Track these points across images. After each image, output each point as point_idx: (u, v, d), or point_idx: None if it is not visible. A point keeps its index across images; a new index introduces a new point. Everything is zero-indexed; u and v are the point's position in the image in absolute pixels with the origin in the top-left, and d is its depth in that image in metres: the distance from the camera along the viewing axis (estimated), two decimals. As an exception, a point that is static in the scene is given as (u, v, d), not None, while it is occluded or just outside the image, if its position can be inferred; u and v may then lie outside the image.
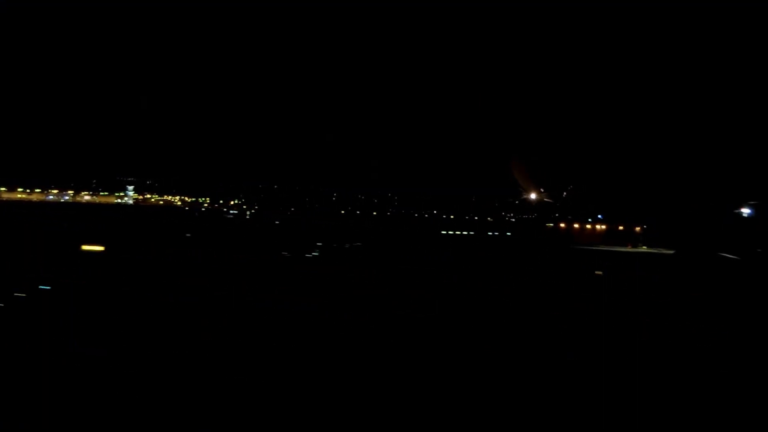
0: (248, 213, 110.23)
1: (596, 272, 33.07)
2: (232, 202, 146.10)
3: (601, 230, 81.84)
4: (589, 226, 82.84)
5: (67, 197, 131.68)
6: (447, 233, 71.09)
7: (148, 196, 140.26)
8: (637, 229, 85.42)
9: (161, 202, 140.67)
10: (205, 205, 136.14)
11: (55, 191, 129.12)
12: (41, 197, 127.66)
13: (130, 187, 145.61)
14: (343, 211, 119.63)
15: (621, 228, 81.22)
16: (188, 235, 49.13)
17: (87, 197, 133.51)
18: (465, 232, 74.39)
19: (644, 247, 68.65)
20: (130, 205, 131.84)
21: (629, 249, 65.66)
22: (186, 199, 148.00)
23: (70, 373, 9.38)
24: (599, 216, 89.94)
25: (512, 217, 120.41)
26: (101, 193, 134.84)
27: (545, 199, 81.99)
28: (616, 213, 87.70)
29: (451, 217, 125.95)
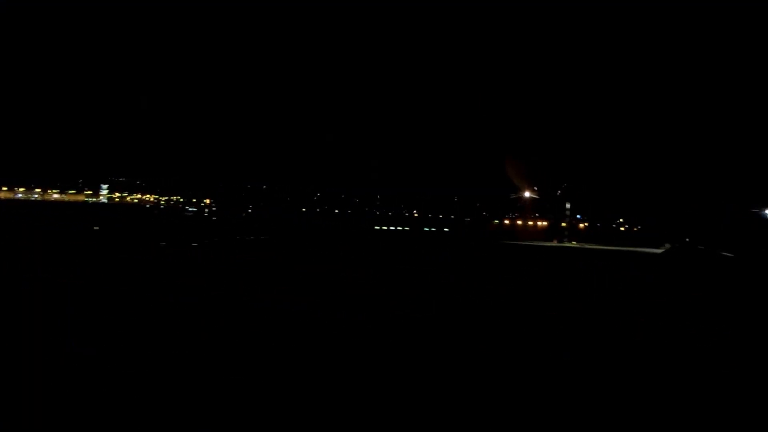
0: (206, 210, 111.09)
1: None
2: (207, 201, 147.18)
3: (543, 226, 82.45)
4: (531, 223, 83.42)
5: (36, 195, 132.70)
6: (380, 228, 71.70)
7: (117, 195, 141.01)
8: (581, 226, 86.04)
9: (125, 199, 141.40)
10: (162, 203, 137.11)
11: (22, 189, 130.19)
12: (9, 195, 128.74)
13: (104, 186, 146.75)
14: (304, 209, 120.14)
15: (563, 224, 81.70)
16: (96, 228, 49.89)
17: (55, 195, 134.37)
18: (400, 228, 74.96)
19: (573, 242, 69.19)
20: (100, 203, 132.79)
21: (554, 244, 66.18)
22: (160, 198, 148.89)
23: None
24: (578, 216, 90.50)
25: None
26: (69, 192, 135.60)
27: (534, 197, 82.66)
28: (609, 211, 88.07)
29: (415, 214, 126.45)
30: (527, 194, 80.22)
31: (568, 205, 70.03)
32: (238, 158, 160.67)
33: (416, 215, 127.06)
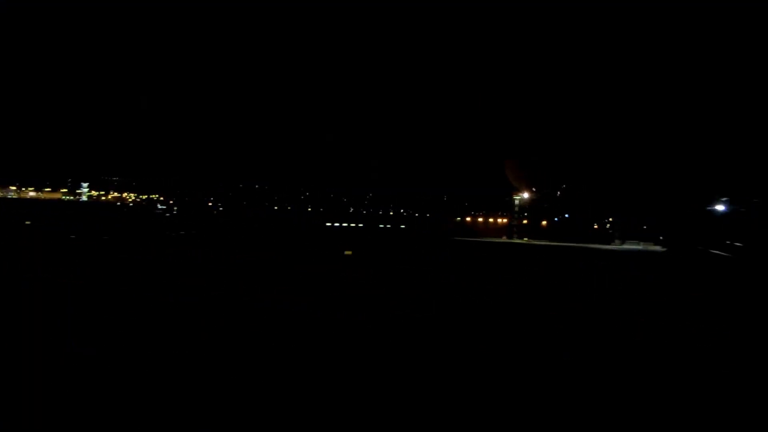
0: (175, 209, 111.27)
1: (345, 252, 33.43)
2: (186, 200, 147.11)
3: (503, 223, 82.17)
4: (491, 220, 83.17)
5: (11, 194, 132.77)
6: (331, 225, 71.43)
7: (94, 193, 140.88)
8: (544, 223, 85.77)
9: (106, 197, 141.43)
10: (130, 201, 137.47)
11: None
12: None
13: (85, 184, 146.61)
14: (276, 207, 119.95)
15: (525, 222, 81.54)
16: (27, 222, 49.88)
17: (32, 193, 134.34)
18: (353, 225, 74.63)
19: (525, 239, 68.97)
20: (71, 201, 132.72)
21: (503, 240, 65.99)
22: (142, 196, 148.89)
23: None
24: (566, 215, 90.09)
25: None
26: (45, 190, 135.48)
27: (533, 198, 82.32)
28: (608, 210, 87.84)
29: (390, 213, 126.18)
30: (526, 195, 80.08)
31: (517, 202, 69.89)
32: (235, 158, 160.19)
33: (392, 214, 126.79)
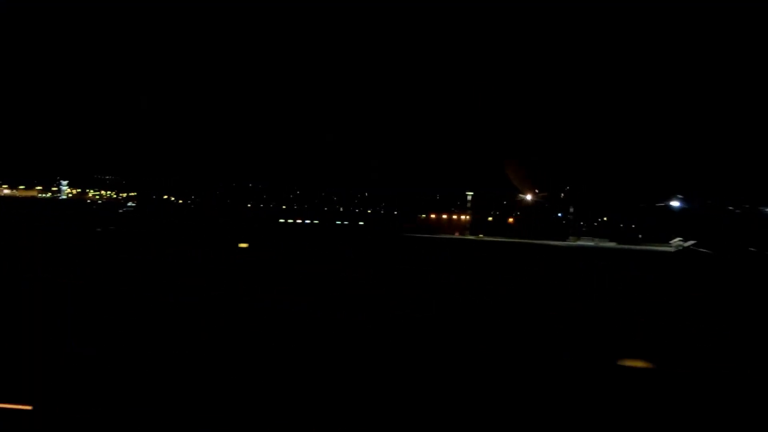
0: (143, 207, 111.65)
1: (240, 245, 33.19)
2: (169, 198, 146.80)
3: (466, 221, 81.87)
4: (455, 217, 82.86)
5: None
6: (285, 221, 71.00)
7: (71, 191, 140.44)
8: (510, 220, 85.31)
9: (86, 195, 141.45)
10: (97, 198, 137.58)
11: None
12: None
13: (65, 182, 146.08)
14: (249, 205, 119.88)
15: (489, 219, 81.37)
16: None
17: (6, 191, 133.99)
18: (309, 221, 74.16)
19: (481, 235, 68.85)
20: (42, 198, 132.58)
21: (456, 236, 65.74)
22: (122, 194, 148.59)
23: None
24: (559, 214, 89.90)
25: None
26: (20, 187, 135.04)
27: (538, 200, 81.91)
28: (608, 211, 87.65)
29: (368, 211, 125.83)
30: (528, 196, 79.76)
31: (469, 198, 69.66)
32: (233, 158, 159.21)
33: (369, 212, 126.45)
